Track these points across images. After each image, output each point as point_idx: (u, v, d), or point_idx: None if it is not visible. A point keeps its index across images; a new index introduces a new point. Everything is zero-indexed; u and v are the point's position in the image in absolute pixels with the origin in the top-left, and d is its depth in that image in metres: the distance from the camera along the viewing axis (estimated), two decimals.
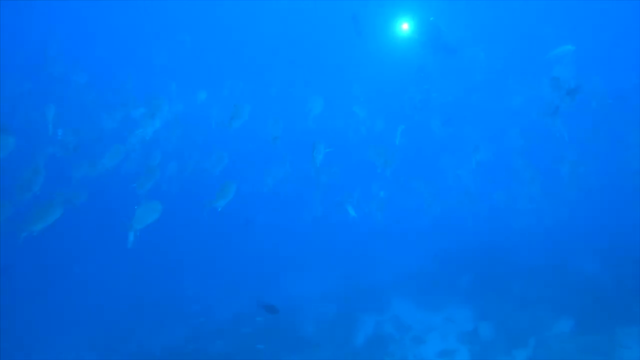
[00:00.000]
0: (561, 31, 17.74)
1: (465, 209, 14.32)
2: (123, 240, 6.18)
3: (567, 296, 10.92)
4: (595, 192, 14.45)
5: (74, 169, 10.97)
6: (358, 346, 10.77)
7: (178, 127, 14.01)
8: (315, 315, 12.26)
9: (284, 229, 16.30)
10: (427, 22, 10.44)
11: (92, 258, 15.58)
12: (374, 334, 11.16)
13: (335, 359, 10.37)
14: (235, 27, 19.96)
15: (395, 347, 10.59)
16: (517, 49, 16.61)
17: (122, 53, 19.66)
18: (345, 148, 16.38)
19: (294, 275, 14.60)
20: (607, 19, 18.86)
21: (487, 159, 10.75)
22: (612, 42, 18.85)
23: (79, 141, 11.88)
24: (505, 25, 17.87)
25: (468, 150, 11.34)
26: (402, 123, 10.40)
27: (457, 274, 12.85)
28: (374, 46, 17.29)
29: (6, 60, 16.59)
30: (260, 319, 11.49)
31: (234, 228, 16.06)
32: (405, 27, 10.54)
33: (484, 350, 9.89)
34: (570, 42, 11.66)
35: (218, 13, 19.72)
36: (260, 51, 19.26)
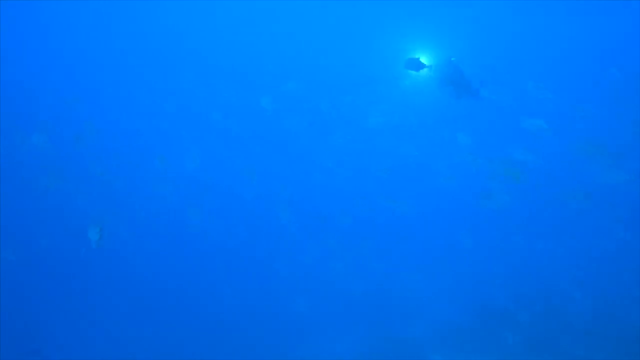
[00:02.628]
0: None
1: (509, 255, 13.13)
2: None
3: (627, 356, 9.62)
4: None
5: None
6: None
7: None
8: None
9: (306, 279, 15.26)
10: (448, 62, 9.59)
11: None
12: None
13: None
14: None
15: None
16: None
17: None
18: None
19: (319, 333, 13.53)
20: None
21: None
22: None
23: None
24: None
25: None
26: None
27: (502, 330, 11.59)
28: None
29: None
30: None
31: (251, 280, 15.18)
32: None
33: None
34: None
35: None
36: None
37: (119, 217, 15.86)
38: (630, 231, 12.20)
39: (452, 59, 9.56)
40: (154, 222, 16.04)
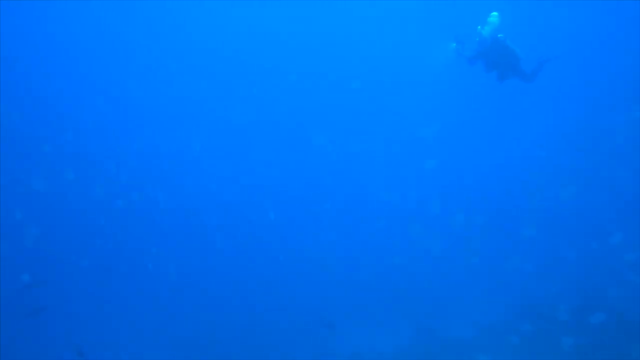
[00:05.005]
0: None
1: (569, 255, 11.81)
2: None
3: None
4: None
5: None
6: None
7: None
8: None
9: (346, 271, 14.59)
10: (495, 39, 8.05)
11: None
12: None
13: None
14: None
15: None
16: None
17: None
18: None
19: (360, 326, 12.94)
20: None
21: None
22: None
23: None
24: None
25: None
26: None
27: (559, 334, 10.44)
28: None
29: None
30: None
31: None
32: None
33: None
34: None
35: None
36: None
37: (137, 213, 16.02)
38: None
39: (499, 35, 8.04)
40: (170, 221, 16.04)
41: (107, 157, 17.25)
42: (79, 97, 17.40)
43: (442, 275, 13.27)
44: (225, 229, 16.46)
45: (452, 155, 15.11)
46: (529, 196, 13.62)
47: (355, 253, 14.72)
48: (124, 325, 14.15)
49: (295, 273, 15.09)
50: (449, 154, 15.08)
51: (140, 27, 17.29)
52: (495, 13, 8.00)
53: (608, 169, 13.36)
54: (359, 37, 16.18)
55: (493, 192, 14.35)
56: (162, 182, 17.14)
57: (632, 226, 12.15)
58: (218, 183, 17.04)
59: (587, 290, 11.36)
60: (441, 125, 15.20)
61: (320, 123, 16.40)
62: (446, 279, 13.14)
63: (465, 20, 9.93)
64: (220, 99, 17.20)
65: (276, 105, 16.48)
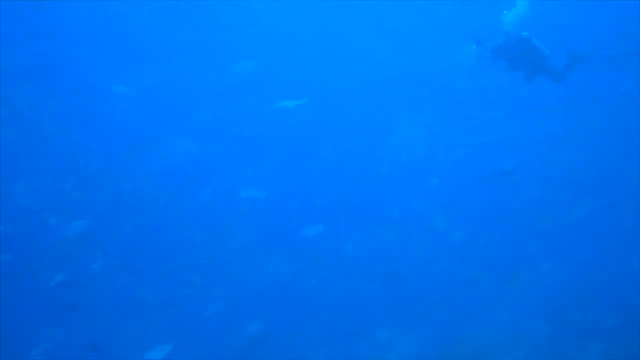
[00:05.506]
0: None
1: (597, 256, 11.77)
2: None
3: None
4: None
5: None
6: None
7: None
8: None
9: (369, 274, 14.60)
10: (519, 38, 8.23)
11: None
12: None
13: None
14: None
15: None
16: None
17: None
18: None
19: (383, 330, 12.93)
20: None
21: None
22: None
23: None
24: None
25: None
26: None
27: (584, 340, 10.28)
28: None
29: None
30: None
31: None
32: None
33: None
34: None
35: None
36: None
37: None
38: None
39: (524, 33, 8.21)
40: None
41: (135, 166, 17.83)
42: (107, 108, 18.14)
43: (461, 282, 13.28)
44: (249, 238, 16.70)
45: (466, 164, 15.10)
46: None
47: (374, 261, 14.74)
48: (148, 327, 14.46)
49: (316, 281, 15.21)
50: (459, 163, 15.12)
51: (170, 41, 17.97)
52: None
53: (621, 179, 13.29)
54: (360, 40, 16.27)
55: (502, 199, 14.35)
56: (189, 195, 17.56)
57: None
58: (243, 196, 17.37)
59: (604, 295, 11.23)
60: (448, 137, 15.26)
61: (330, 138, 16.62)
62: (465, 285, 13.14)
63: (476, 20, 10.08)
64: (242, 115, 17.58)
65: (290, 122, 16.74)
